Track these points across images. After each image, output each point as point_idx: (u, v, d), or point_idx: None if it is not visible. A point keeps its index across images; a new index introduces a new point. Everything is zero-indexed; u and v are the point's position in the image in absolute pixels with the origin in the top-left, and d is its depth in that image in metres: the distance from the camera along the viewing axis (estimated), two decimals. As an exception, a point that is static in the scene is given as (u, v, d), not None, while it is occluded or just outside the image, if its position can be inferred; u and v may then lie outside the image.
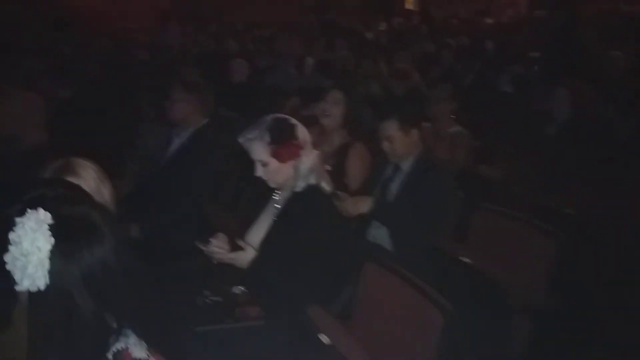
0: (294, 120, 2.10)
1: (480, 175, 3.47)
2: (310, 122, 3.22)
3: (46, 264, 0.92)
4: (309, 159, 2.12)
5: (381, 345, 1.81)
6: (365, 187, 2.83)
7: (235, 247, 2.05)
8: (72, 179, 1.49)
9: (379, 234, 2.66)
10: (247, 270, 2.01)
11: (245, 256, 2.01)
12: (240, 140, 2.07)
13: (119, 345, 0.99)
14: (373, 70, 5.74)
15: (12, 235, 0.92)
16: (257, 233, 2.14)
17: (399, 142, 2.67)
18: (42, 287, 0.92)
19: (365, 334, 1.87)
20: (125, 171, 3.40)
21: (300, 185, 2.10)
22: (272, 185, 2.11)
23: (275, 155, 2.04)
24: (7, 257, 0.92)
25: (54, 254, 0.92)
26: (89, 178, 1.50)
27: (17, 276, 0.92)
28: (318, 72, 5.07)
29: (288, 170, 2.07)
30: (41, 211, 0.94)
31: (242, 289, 2.13)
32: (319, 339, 1.68)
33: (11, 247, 0.92)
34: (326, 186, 2.16)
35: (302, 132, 2.09)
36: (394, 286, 1.83)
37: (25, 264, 0.91)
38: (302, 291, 1.95)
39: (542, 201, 2.90)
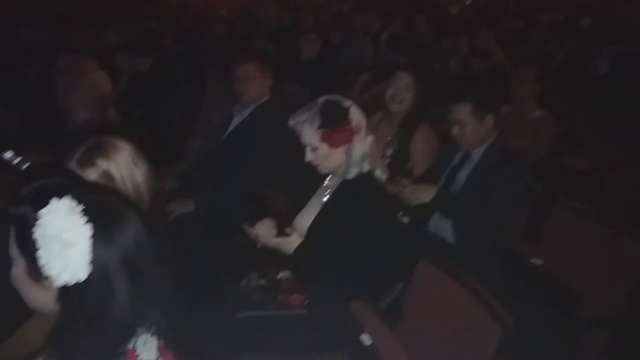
0: (347, 103, 1.94)
1: (564, 166, 3.14)
2: (379, 102, 3.04)
3: (89, 252, 0.86)
4: (362, 144, 1.97)
5: (428, 352, 1.65)
6: (430, 174, 2.62)
7: (282, 232, 1.96)
8: (102, 161, 1.43)
9: (442, 226, 2.46)
10: (292, 257, 1.90)
11: (290, 242, 1.90)
12: (291, 122, 1.95)
13: (128, 346, 0.92)
14: (453, 47, 5.41)
15: (42, 229, 0.86)
16: (305, 219, 2.03)
17: (471, 128, 2.41)
18: (84, 277, 0.87)
19: (411, 338, 1.71)
20: (185, 150, 3.40)
21: (352, 172, 1.95)
22: (323, 170, 1.98)
23: (326, 139, 1.90)
24: (42, 253, 0.86)
25: (94, 240, 0.87)
26: (120, 160, 1.44)
27: (54, 270, 0.86)
28: (391, 48, 4.81)
29: (339, 155, 1.93)
30: (66, 199, 0.87)
31: (289, 274, 2.05)
32: (360, 337, 1.55)
33: (45, 241, 0.86)
34: (381, 174, 1.99)
35: (356, 116, 1.93)
36: (449, 289, 1.65)
37: (67, 255, 0.86)
38: (347, 284, 1.83)
39: (633, 200, 2.55)
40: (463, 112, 2.40)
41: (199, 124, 3.67)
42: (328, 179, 2.05)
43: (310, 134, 1.91)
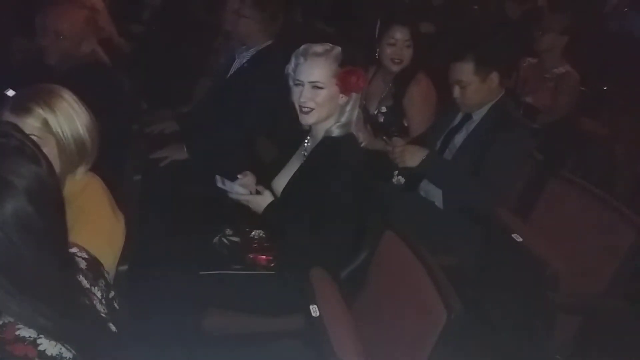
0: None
1: (582, 130, 2.93)
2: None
3: None
4: (357, 103, 1.88)
5: (376, 326, 1.62)
6: (427, 135, 2.50)
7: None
8: (41, 110, 1.40)
9: (431, 190, 2.37)
10: (262, 216, 1.87)
11: (261, 201, 1.86)
12: (300, 52, 1.82)
13: (5, 319, 0.90)
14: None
15: None
16: (283, 178, 1.97)
17: (473, 89, 2.24)
18: None
19: (365, 310, 1.69)
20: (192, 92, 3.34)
21: (337, 130, 1.87)
22: (309, 120, 1.85)
23: (340, 79, 1.77)
24: None
25: None
26: (59, 109, 1.41)
27: None
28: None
29: (335, 106, 1.83)
30: None
31: (262, 233, 2.03)
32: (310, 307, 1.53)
33: None
34: (362, 139, 1.90)
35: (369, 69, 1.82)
36: (407, 265, 1.59)
37: None
38: (313, 249, 1.79)
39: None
40: (464, 71, 2.23)
41: (208, 65, 3.58)
42: (307, 140, 1.97)
43: (322, 69, 1.78)
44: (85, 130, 1.45)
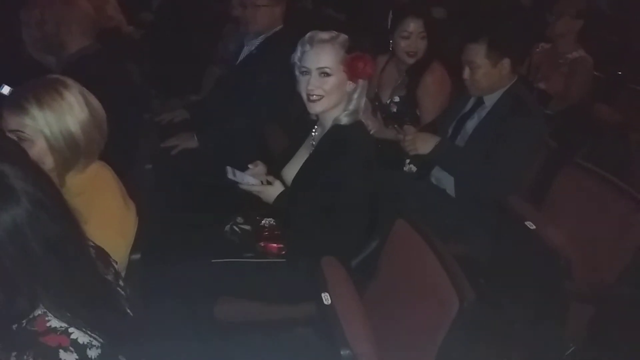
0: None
1: (596, 117, 2.89)
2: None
3: None
4: (365, 91, 1.86)
5: (388, 314, 1.62)
6: (439, 123, 2.47)
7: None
8: (30, 107, 1.38)
9: (443, 178, 2.35)
10: (272, 206, 1.87)
11: (272, 191, 1.86)
12: (306, 40, 1.79)
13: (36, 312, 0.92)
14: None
15: None
16: (293, 168, 1.97)
17: (483, 72, 2.22)
18: None
19: (377, 298, 1.69)
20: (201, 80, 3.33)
21: (343, 120, 1.85)
22: (317, 109, 1.83)
23: (348, 65, 1.74)
24: None
25: None
26: (50, 108, 1.38)
27: None
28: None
29: (343, 93, 1.81)
30: None
31: (272, 222, 2.03)
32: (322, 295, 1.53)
33: None
34: (371, 127, 1.88)
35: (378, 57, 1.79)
36: (419, 253, 1.58)
37: None
38: (324, 238, 1.79)
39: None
40: (477, 53, 2.21)
41: (217, 53, 3.56)
42: (315, 129, 1.96)
43: (329, 55, 1.76)
44: (78, 126, 1.41)
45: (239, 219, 2.08)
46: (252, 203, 2.02)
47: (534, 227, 1.86)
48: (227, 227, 2.04)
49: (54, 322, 0.91)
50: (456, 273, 1.45)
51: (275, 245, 1.94)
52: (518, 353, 2.02)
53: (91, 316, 0.92)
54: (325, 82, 1.78)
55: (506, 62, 2.22)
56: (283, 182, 1.92)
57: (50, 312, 0.91)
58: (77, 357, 0.89)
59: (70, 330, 0.90)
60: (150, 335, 1.15)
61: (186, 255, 1.88)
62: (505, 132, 2.17)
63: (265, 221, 2.03)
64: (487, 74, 2.21)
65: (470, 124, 2.35)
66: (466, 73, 2.26)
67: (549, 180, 2.18)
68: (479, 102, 2.35)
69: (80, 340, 0.90)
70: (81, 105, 1.43)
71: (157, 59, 3.53)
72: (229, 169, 1.90)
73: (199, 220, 2.19)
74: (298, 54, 1.84)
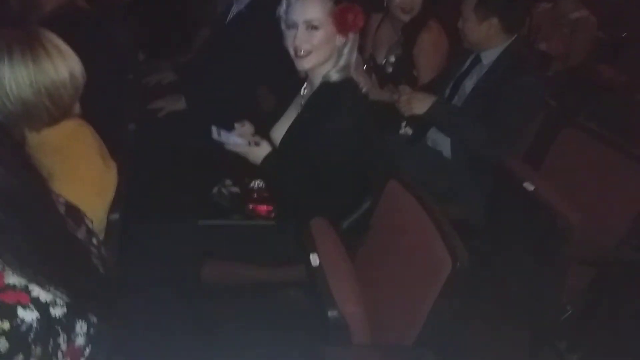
0: None
1: (599, 77, 2.80)
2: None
3: None
4: (355, 46, 1.76)
5: (380, 276, 1.56)
6: (436, 82, 2.38)
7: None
8: (37, 52, 1.30)
9: (439, 139, 2.28)
10: (260, 168, 1.79)
11: (259, 152, 1.78)
12: None
13: None
14: None
15: None
16: (281, 128, 1.88)
17: (469, 26, 2.17)
18: None
19: (369, 260, 1.63)
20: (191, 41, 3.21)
21: (333, 76, 1.76)
22: (306, 65, 1.73)
23: (336, 17, 1.64)
24: None
25: None
26: (53, 48, 1.30)
27: None
28: None
29: (332, 48, 1.71)
30: None
31: (261, 184, 1.97)
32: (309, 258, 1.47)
33: None
34: (363, 84, 1.79)
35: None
36: (412, 215, 1.51)
37: None
38: (313, 199, 1.72)
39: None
40: (466, 3, 2.16)
41: (206, 12, 3.43)
42: (304, 88, 1.87)
43: (317, 6, 1.66)
44: (28, 85, 1.26)
45: (228, 181, 2.02)
46: (240, 164, 1.95)
47: (532, 188, 1.80)
48: (215, 189, 1.98)
49: (12, 279, 0.86)
50: (449, 234, 1.39)
51: (264, 207, 1.88)
52: (514, 316, 1.99)
53: (54, 273, 0.87)
54: (313, 35, 1.68)
55: (494, 22, 2.14)
56: (272, 143, 1.85)
57: (9, 266, 0.84)
58: (38, 315, 0.83)
59: (31, 287, 0.84)
60: (128, 296, 1.10)
61: (172, 217, 1.82)
62: (503, 91, 2.10)
63: (254, 183, 1.97)
64: (474, 29, 2.16)
65: (469, 84, 2.27)
66: (460, 22, 2.21)
67: (548, 141, 2.11)
68: (476, 60, 2.26)
69: (42, 299, 0.84)
70: (36, 62, 1.27)
71: (147, 21, 3.40)
72: (214, 128, 1.81)
73: (185, 183, 2.12)
74: (284, 6, 1.74)
